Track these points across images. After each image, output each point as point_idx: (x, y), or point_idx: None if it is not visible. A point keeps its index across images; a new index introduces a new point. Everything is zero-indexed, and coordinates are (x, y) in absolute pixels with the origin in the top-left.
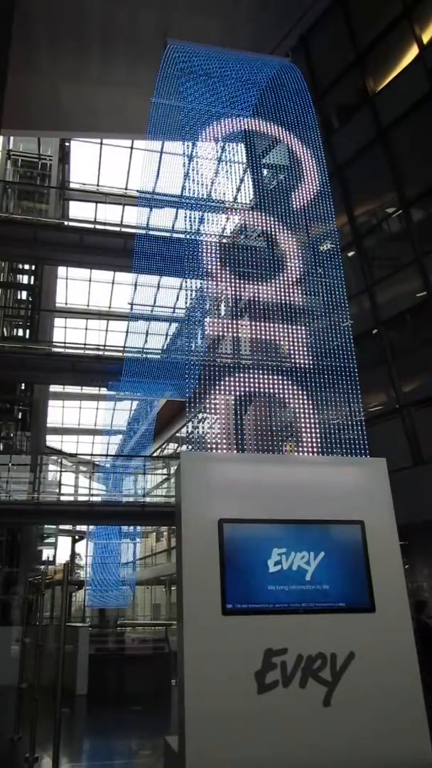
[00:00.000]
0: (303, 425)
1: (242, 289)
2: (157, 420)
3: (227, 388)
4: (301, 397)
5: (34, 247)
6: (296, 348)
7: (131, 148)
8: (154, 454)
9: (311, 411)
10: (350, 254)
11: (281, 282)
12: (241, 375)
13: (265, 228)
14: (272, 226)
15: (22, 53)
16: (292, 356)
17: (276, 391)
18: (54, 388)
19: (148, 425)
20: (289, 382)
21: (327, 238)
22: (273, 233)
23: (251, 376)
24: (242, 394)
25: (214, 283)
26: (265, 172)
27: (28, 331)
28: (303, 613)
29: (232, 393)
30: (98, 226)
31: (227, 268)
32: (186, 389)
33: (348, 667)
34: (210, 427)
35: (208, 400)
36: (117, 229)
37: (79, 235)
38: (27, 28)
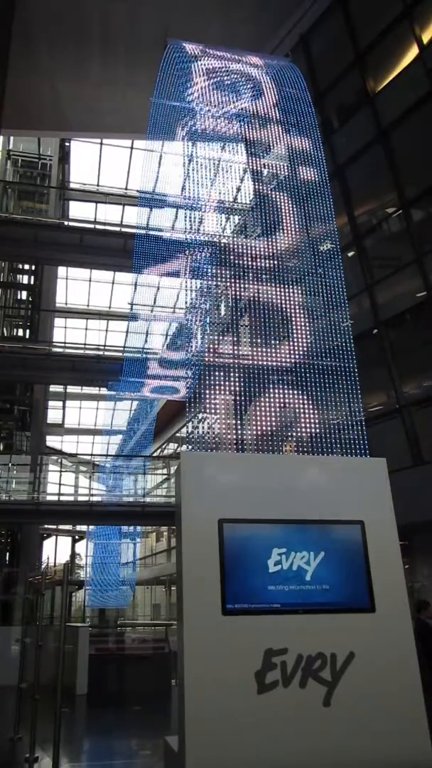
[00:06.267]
0: (303, 425)
1: (242, 289)
2: (157, 420)
3: (227, 387)
4: (301, 397)
5: (34, 247)
6: (296, 348)
7: (131, 148)
8: (154, 454)
9: (311, 411)
10: (350, 254)
11: (281, 281)
12: (241, 375)
13: (265, 227)
14: (272, 225)
15: (22, 53)
16: (292, 356)
17: (276, 391)
18: (54, 388)
19: (148, 425)
20: (289, 382)
21: (327, 238)
22: (273, 233)
23: (251, 376)
24: (242, 393)
25: (214, 282)
26: (265, 171)
27: (28, 331)
28: (303, 613)
29: (232, 393)
30: (98, 226)
31: (227, 268)
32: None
33: (348, 667)
34: (210, 427)
35: (208, 400)
36: (117, 229)
37: (79, 235)
38: (27, 28)
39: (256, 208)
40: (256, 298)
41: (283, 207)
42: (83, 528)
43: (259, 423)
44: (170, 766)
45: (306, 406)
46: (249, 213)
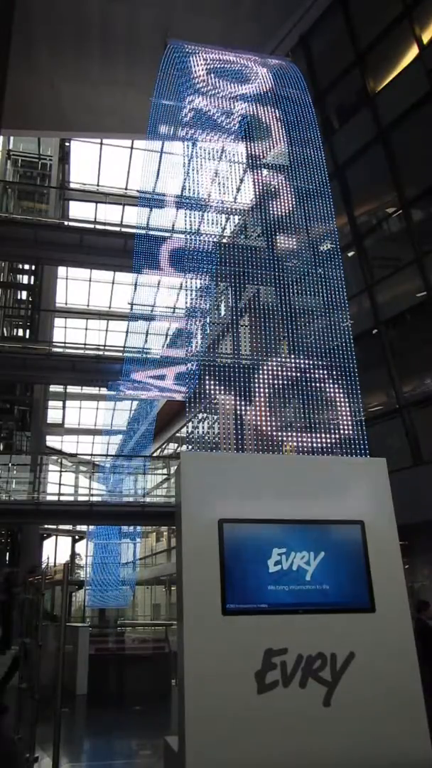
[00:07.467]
0: (303, 425)
1: (242, 289)
2: (157, 420)
3: (227, 387)
4: (301, 396)
5: (34, 247)
6: (296, 348)
7: (131, 148)
8: (154, 454)
9: (311, 411)
10: (350, 254)
11: (281, 282)
12: (241, 375)
13: (265, 228)
14: (272, 226)
15: (22, 53)
16: (292, 356)
17: (276, 390)
18: (54, 388)
19: (148, 425)
20: (289, 382)
21: (327, 238)
22: (273, 233)
23: (251, 375)
24: (242, 393)
25: (214, 283)
26: (265, 171)
27: (28, 331)
28: (303, 613)
29: (232, 393)
30: (98, 226)
31: (227, 268)
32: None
33: (348, 667)
34: (210, 427)
35: (208, 400)
36: (117, 229)
37: (79, 235)
38: (27, 28)
39: (256, 207)
40: (256, 298)
41: (283, 207)
42: (83, 528)
43: (259, 423)
44: (170, 766)
45: (306, 406)
46: (249, 213)
